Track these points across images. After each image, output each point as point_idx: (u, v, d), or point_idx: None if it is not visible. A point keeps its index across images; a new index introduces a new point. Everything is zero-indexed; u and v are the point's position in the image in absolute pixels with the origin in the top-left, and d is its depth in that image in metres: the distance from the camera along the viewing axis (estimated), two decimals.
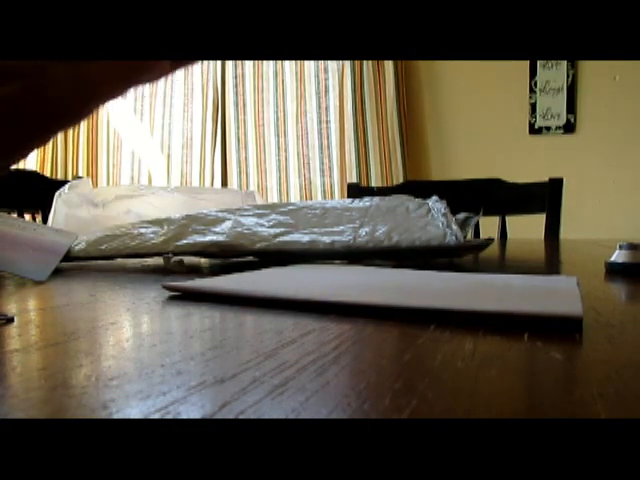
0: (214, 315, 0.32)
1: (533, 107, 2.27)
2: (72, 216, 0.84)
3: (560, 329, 0.27)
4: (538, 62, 2.27)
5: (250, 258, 0.66)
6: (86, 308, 0.34)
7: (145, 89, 2.78)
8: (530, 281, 0.41)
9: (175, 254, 0.59)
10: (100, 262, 0.67)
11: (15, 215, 1.26)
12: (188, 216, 0.66)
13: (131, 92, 0.22)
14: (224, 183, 2.68)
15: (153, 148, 2.79)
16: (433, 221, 0.61)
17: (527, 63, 2.29)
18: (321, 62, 2.51)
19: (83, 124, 2.89)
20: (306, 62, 2.54)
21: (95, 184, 2.77)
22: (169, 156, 2.76)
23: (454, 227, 0.59)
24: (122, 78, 0.22)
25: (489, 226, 1.40)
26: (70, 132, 2.92)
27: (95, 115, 2.88)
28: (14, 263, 0.50)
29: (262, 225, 0.63)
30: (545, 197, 1.32)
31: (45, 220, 1.27)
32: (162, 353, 0.23)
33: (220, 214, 0.66)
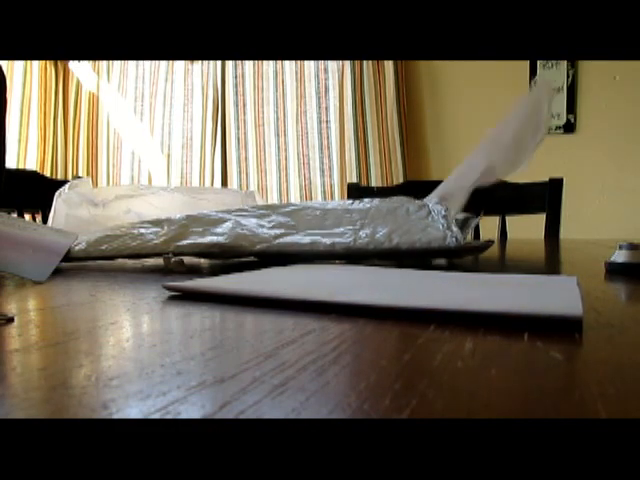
0: (214, 315, 0.32)
1: None
2: (72, 216, 0.84)
3: (560, 329, 0.27)
4: (538, 62, 2.27)
5: (250, 258, 0.66)
6: (86, 308, 0.34)
7: (145, 89, 2.78)
8: (530, 281, 0.41)
9: (175, 254, 0.59)
10: (100, 262, 0.67)
11: (15, 215, 1.26)
12: (188, 216, 0.66)
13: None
14: (224, 183, 2.68)
15: (153, 148, 2.79)
16: (433, 223, 0.61)
17: (527, 63, 2.29)
18: (321, 62, 2.51)
19: (83, 124, 2.89)
20: (306, 62, 2.54)
21: (95, 184, 2.77)
22: (169, 156, 2.76)
23: (454, 229, 0.59)
24: None
25: (489, 226, 1.40)
26: (70, 132, 2.92)
27: (95, 115, 2.88)
28: (14, 263, 0.50)
29: (262, 226, 0.63)
30: (545, 197, 1.32)
31: (45, 220, 1.27)
32: (162, 353, 0.23)
33: (220, 215, 0.66)
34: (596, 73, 2.20)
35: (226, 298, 0.36)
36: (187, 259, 0.61)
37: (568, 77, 2.23)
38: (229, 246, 0.60)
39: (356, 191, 1.45)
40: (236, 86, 2.65)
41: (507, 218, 1.37)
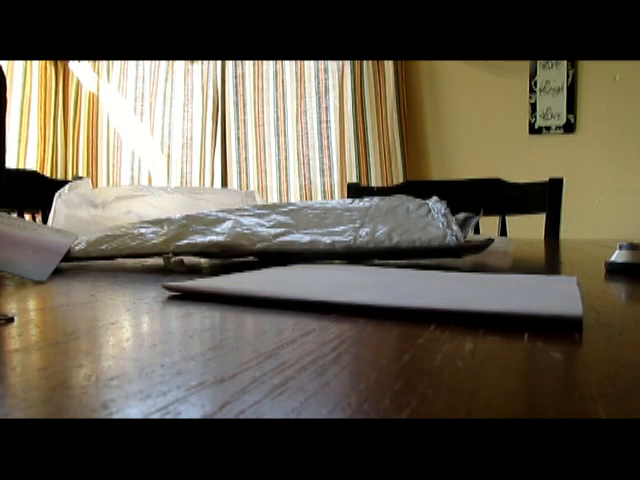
0: (214, 315, 0.32)
1: (533, 107, 2.27)
2: (72, 217, 0.84)
3: (560, 329, 0.27)
4: (538, 62, 2.27)
5: (250, 258, 0.66)
6: (86, 308, 0.34)
7: (145, 89, 2.78)
8: (530, 281, 0.41)
9: (175, 254, 0.59)
10: (100, 262, 0.67)
11: (15, 215, 1.26)
12: (188, 216, 0.66)
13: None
14: (224, 183, 2.68)
15: (153, 148, 2.79)
16: (433, 221, 0.61)
17: (527, 63, 2.29)
18: (321, 62, 2.51)
19: (83, 124, 2.89)
20: (306, 62, 2.54)
21: (95, 184, 2.76)
22: (169, 156, 2.76)
23: (454, 227, 0.59)
24: None
25: (489, 226, 1.40)
26: (70, 132, 2.92)
27: (95, 115, 2.88)
28: (14, 263, 0.50)
29: (262, 225, 0.63)
30: (545, 197, 1.32)
31: (45, 220, 1.27)
32: (162, 353, 0.23)
33: (220, 214, 0.66)
34: (596, 73, 2.20)
35: (226, 298, 0.36)
36: (187, 259, 0.61)
37: (568, 77, 2.23)
38: (229, 245, 0.60)
39: (356, 191, 1.45)
40: (236, 86, 2.65)
41: (507, 218, 1.37)
